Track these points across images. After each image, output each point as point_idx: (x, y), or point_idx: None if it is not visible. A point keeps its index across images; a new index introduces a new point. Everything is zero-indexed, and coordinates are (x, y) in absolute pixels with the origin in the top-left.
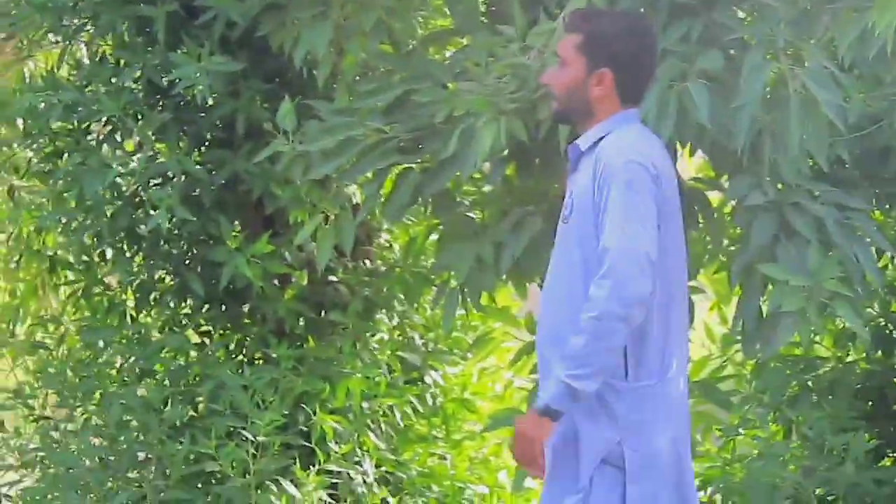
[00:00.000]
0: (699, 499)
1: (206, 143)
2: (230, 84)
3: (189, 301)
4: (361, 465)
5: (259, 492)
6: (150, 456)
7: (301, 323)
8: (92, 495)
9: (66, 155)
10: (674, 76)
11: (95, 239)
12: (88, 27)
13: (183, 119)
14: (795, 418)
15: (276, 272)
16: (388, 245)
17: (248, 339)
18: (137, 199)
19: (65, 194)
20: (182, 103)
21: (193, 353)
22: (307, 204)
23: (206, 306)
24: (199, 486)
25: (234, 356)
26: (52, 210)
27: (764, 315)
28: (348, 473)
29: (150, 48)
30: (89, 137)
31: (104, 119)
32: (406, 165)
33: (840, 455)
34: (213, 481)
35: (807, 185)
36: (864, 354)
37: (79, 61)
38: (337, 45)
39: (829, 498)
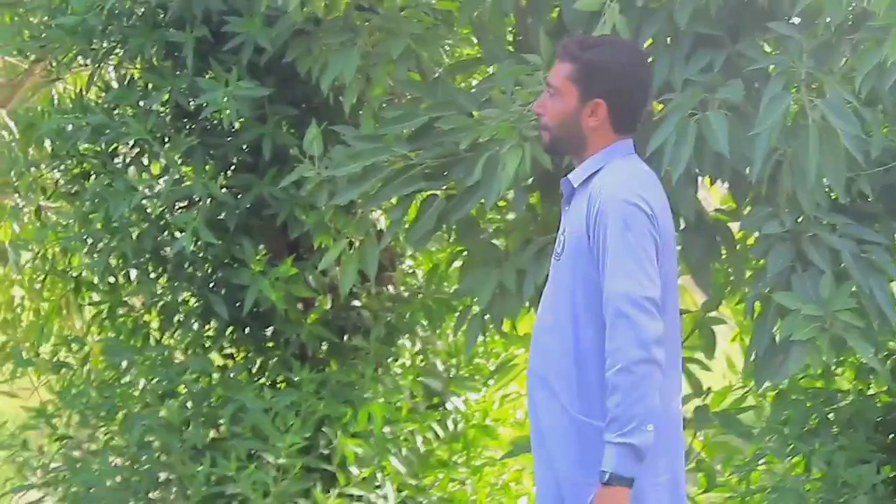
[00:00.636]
0: None
1: (232, 167)
2: (257, 109)
3: (213, 323)
4: (382, 489)
5: None
6: (171, 477)
7: (323, 347)
8: None
9: (93, 177)
10: (695, 105)
11: (121, 260)
12: (117, 51)
13: (209, 143)
14: (813, 450)
15: (299, 295)
16: (411, 271)
17: (270, 362)
18: (163, 222)
19: (91, 216)
20: (209, 127)
21: (216, 376)
22: (332, 229)
23: (230, 329)
24: None
25: (256, 379)
26: (78, 231)
27: (776, 344)
28: (369, 497)
29: (178, 72)
30: (116, 160)
31: (131, 142)
32: (430, 192)
33: (856, 488)
34: (235, 503)
35: (825, 216)
36: (886, 388)
37: (107, 84)
38: (364, 72)
39: None
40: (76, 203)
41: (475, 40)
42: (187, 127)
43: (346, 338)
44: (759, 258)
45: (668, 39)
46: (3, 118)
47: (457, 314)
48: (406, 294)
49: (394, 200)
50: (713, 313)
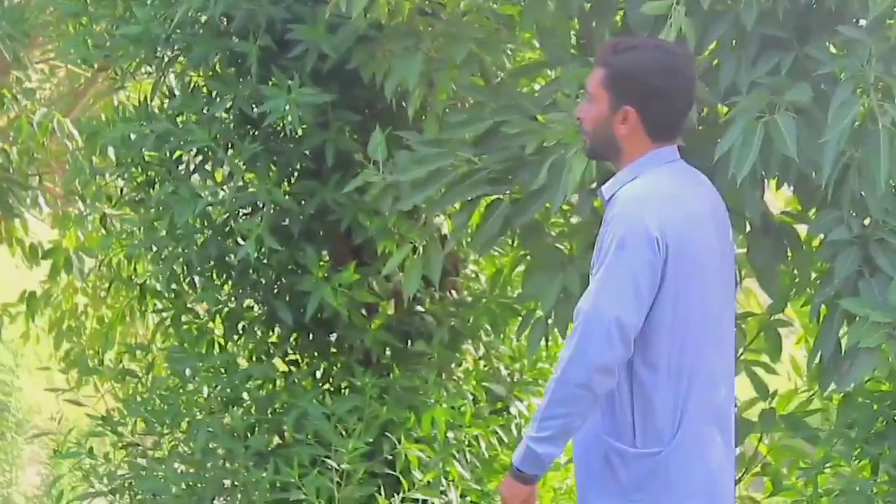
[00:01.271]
0: None
1: (296, 174)
2: (320, 115)
3: (276, 330)
4: (446, 495)
5: None
6: (235, 483)
7: (387, 352)
8: None
9: (157, 184)
10: (761, 108)
11: (185, 267)
12: (181, 59)
13: (273, 149)
14: (881, 453)
15: (362, 301)
16: (474, 276)
17: (334, 368)
18: (227, 229)
19: (155, 223)
20: (272, 134)
21: (280, 382)
22: (395, 234)
23: (294, 335)
24: None
25: (320, 385)
26: (142, 238)
27: (842, 350)
28: (433, 502)
29: (241, 80)
30: (180, 167)
31: (195, 149)
32: (495, 196)
33: None
34: None
35: (894, 221)
36: None
37: (171, 92)
38: (427, 77)
39: None
40: (141, 210)
41: (537, 44)
42: (251, 134)
43: (409, 343)
44: (825, 261)
45: (734, 42)
46: (68, 126)
47: (520, 318)
48: (469, 299)
49: (458, 205)
50: (779, 315)
